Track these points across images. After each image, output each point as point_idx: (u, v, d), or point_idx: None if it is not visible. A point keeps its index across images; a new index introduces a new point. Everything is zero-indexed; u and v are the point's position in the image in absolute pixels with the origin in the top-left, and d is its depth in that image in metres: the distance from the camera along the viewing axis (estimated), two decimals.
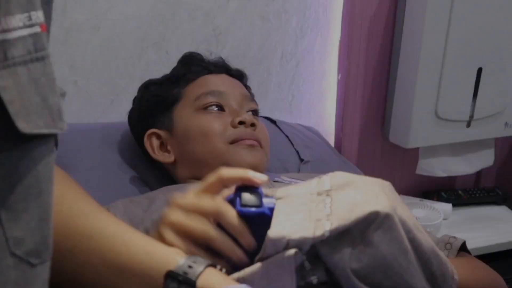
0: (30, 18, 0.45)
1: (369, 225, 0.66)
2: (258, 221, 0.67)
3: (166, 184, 1.09)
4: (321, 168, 1.31)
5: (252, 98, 1.18)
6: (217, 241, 0.67)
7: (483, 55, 1.56)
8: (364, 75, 1.62)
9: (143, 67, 1.39)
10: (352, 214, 0.66)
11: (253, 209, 0.68)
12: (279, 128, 1.43)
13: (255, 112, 1.15)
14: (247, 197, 0.68)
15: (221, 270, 0.65)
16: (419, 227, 0.73)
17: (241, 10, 1.47)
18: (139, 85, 1.22)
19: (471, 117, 1.63)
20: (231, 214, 0.67)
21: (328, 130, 1.67)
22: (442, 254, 0.74)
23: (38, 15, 0.45)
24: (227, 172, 0.70)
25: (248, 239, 0.67)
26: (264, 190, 0.71)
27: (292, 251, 0.65)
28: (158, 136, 1.13)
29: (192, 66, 1.18)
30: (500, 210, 1.79)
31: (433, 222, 1.58)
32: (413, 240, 0.69)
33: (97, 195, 0.75)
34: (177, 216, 0.69)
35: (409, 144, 1.61)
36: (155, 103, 1.15)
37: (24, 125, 0.44)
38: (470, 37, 1.52)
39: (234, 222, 0.67)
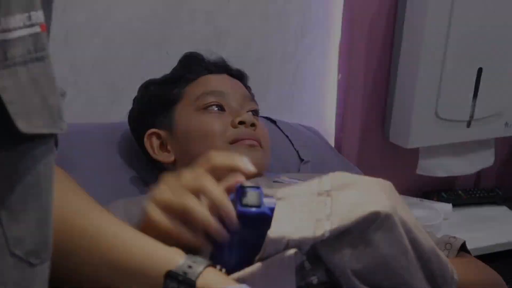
0: (30, 18, 0.45)
1: (370, 225, 0.66)
2: (259, 221, 0.68)
3: None
4: (321, 168, 1.31)
5: (252, 98, 1.18)
6: (194, 212, 0.67)
7: (483, 55, 1.56)
8: (364, 75, 1.62)
9: (143, 67, 1.39)
10: (353, 214, 0.66)
11: (253, 209, 0.68)
12: (279, 128, 1.43)
13: (255, 112, 1.15)
14: (247, 197, 0.68)
15: (220, 270, 0.65)
16: (420, 227, 0.73)
17: (242, 10, 1.47)
18: (139, 85, 1.22)
19: (471, 117, 1.63)
20: (209, 184, 0.68)
21: (328, 130, 1.67)
22: (442, 254, 0.74)
23: (38, 15, 0.45)
24: (218, 160, 0.71)
25: (228, 208, 0.67)
26: (264, 190, 0.71)
27: (292, 251, 0.65)
28: (158, 136, 1.13)
29: (193, 66, 1.18)
30: (500, 210, 1.79)
31: (433, 222, 1.57)
32: (413, 240, 0.69)
33: (97, 195, 0.75)
34: (160, 193, 0.70)
35: (409, 144, 1.61)
36: (155, 103, 1.15)
37: (24, 125, 0.44)
38: (471, 37, 1.52)
39: (214, 191, 0.67)
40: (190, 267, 0.62)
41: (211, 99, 1.10)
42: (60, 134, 0.49)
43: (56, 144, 0.50)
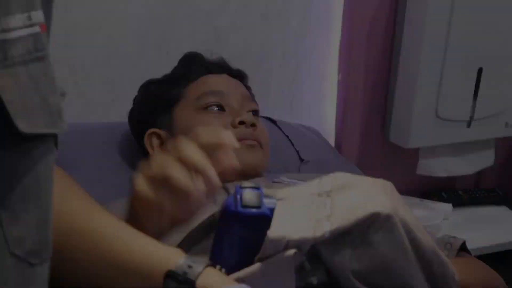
0: (30, 18, 0.45)
1: (370, 226, 0.66)
2: (259, 221, 0.68)
3: None
4: (321, 168, 1.31)
5: (252, 98, 1.18)
6: (173, 178, 0.67)
7: (483, 56, 1.56)
8: (364, 76, 1.62)
9: (143, 67, 1.39)
10: (353, 215, 0.66)
11: (253, 210, 0.68)
12: (280, 128, 1.43)
13: (255, 113, 1.15)
14: (247, 198, 0.68)
15: (220, 270, 0.65)
16: (421, 227, 0.73)
17: (242, 10, 1.47)
18: (139, 85, 1.22)
19: (472, 117, 1.63)
20: (190, 150, 0.68)
21: (328, 130, 1.67)
22: (443, 255, 0.74)
23: (38, 15, 0.45)
24: (205, 137, 0.71)
25: (208, 168, 0.67)
26: (264, 191, 0.71)
27: (291, 251, 0.65)
28: (158, 136, 1.13)
29: (193, 66, 1.18)
30: (500, 210, 1.79)
31: (433, 222, 1.57)
32: (414, 241, 0.69)
33: (97, 195, 0.75)
34: (148, 166, 0.70)
35: (409, 144, 1.61)
36: (155, 103, 1.15)
37: (24, 125, 0.44)
38: (471, 37, 1.52)
39: (194, 155, 0.68)
40: (190, 267, 0.62)
41: (211, 99, 1.10)
42: (61, 134, 0.49)
43: (56, 144, 0.50)
